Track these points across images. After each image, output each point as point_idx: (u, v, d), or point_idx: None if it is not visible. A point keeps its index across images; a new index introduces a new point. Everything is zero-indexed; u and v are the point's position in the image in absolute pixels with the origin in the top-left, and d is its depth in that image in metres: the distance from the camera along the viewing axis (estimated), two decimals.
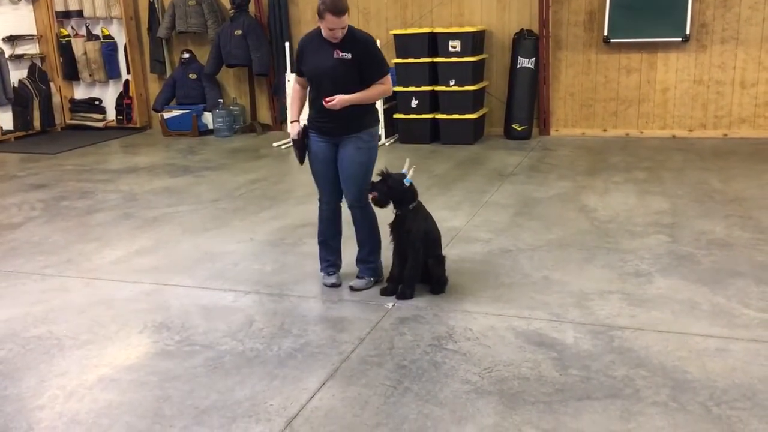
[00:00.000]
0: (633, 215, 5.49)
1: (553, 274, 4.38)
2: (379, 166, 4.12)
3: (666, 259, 4.57)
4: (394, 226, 4.09)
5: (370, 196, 4.01)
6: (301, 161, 4.18)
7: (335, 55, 3.92)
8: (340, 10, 3.80)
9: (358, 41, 3.95)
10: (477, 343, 3.53)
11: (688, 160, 7.24)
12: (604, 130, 8.67)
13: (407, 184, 4.00)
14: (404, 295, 4.06)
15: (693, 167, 6.94)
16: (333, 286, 4.27)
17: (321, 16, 3.84)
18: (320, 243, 4.32)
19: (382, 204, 4.03)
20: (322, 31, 3.92)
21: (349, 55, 3.91)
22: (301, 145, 4.13)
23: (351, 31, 3.95)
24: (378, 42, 4.20)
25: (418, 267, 4.06)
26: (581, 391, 3.07)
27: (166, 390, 3.20)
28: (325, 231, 4.28)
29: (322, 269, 4.34)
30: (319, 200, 4.26)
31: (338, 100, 3.88)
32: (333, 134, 4.04)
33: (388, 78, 4.06)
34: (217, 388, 3.21)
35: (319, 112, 4.02)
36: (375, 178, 4.06)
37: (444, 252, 4.25)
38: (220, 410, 3.02)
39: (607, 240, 4.96)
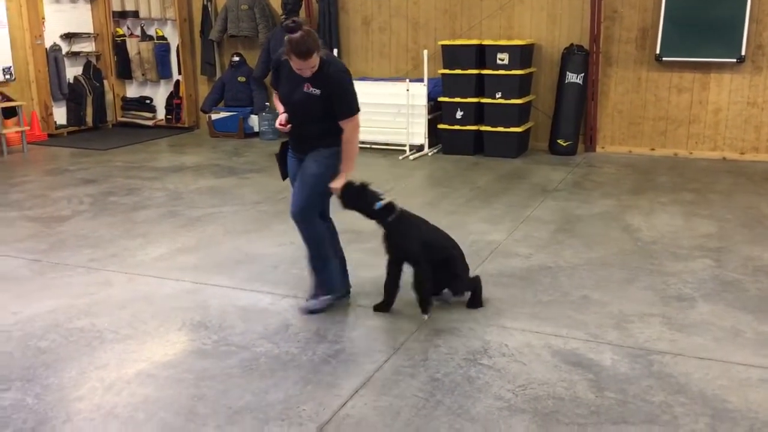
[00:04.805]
0: (678, 237, 5.38)
1: (592, 294, 4.32)
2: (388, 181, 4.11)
3: (710, 284, 4.47)
4: (384, 240, 4.03)
5: (339, 192, 3.89)
6: (283, 177, 4.18)
7: (305, 89, 3.79)
8: (302, 53, 3.61)
9: (329, 78, 3.77)
10: (512, 360, 3.49)
11: (738, 184, 7.07)
12: (652, 149, 8.53)
13: (376, 207, 3.91)
14: (424, 310, 4.02)
15: (743, 191, 6.78)
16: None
17: (287, 54, 3.68)
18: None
19: (344, 204, 3.94)
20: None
21: (318, 92, 3.78)
22: (282, 161, 4.14)
23: (326, 64, 3.77)
24: (350, 77, 3.93)
25: (421, 280, 3.97)
26: (617, 414, 3.02)
27: (201, 388, 3.25)
28: None
29: None
30: None
31: (338, 186, 3.84)
32: (301, 151, 4.00)
33: (354, 119, 3.85)
34: (251, 389, 3.24)
35: (290, 132, 3.97)
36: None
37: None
38: (253, 412, 3.05)
39: (651, 261, 4.87)
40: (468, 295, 4.17)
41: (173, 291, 4.42)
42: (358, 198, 3.92)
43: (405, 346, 3.66)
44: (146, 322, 3.97)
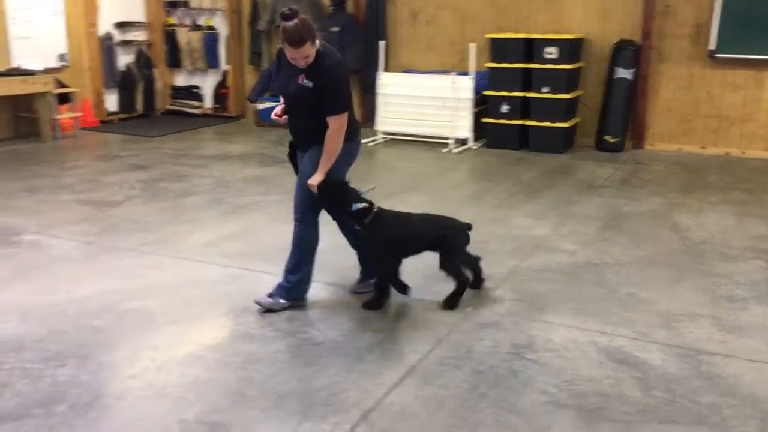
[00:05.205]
0: (729, 238, 5.27)
1: (640, 292, 4.26)
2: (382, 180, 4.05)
3: (763, 285, 4.37)
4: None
5: (315, 187, 3.78)
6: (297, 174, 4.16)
7: (299, 81, 3.72)
8: (294, 41, 3.54)
9: (323, 71, 3.67)
10: (557, 355, 3.48)
11: None
12: (703, 148, 8.35)
13: (353, 208, 3.84)
14: (368, 304, 4.01)
15: None
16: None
17: (281, 42, 3.61)
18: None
19: (320, 199, 3.85)
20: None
21: (310, 84, 3.69)
22: (295, 160, 4.11)
23: (322, 56, 3.69)
24: (344, 73, 3.80)
25: (380, 276, 3.99)
26: (664, 414, 2.98)
27: (249, 372, 3.31)
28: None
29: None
30: None
31: (314, 183, 3.77)
32: (300, 147, 3.98)
33: (341, 118, 3.71)
34: (296, 374, 3.29)
35: (288, 125, 3.96)
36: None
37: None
38: (299, 396, 3.10)
39: (700, 261, 4.78)
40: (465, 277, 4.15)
41: (221, 276, 4.50)
42: (337, 197, 3.85)
43: (449, 338, 3.67)
44: (195, 306, 4.05)
